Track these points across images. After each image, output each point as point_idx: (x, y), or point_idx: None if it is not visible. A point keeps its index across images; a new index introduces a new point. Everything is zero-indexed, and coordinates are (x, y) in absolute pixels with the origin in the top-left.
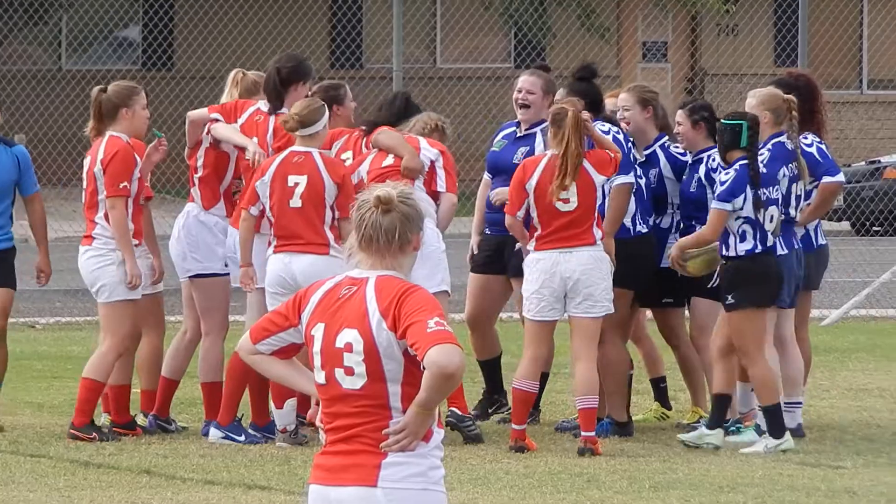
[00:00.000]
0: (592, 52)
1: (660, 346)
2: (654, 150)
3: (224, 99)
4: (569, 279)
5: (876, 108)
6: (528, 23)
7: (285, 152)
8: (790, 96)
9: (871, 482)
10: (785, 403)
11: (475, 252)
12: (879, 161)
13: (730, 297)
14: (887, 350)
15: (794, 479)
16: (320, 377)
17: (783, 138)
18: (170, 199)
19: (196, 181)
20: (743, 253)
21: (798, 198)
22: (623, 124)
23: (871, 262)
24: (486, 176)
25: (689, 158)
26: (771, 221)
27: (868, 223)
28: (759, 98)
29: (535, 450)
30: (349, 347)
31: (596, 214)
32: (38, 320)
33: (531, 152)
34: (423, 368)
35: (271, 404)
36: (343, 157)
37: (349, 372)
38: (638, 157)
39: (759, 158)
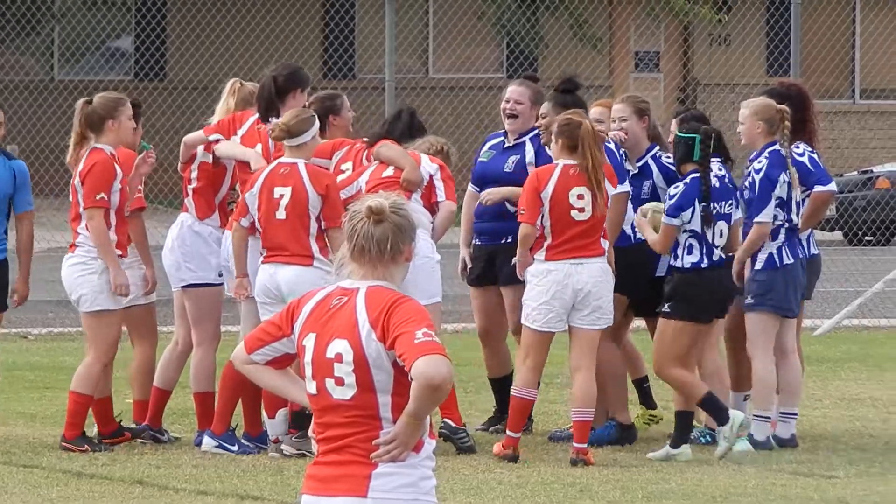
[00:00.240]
0: (585, 62)
1: (639, 347)
2: (647, 162)
3: (219, 107)
4: (580, 291)
5: (868, 117)
6: (520, 33)
7: (273, 164)
8: (783, 106)
9: (864, 491)
10: (781, 413)
11: (468, 265)
12: (872, 171)
13: (667, 306)
14: (880, 360)
15: (787, 488)
16: (311, 387)
17: (778, 146)
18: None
19: (190, 192)
20: (689, 265)
21: (798, 204)
22: (621, 134)
23: (863, 271)
24: (472, 188)
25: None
26: (721, 236)
27: (860, 233)
28: (753, 108)
29: (525, 457)
30: (339, 358)
31: (604, 226)
32: (30, 331)
33: (522, 161)
34: (411, 379)
35: (264, 414)
36: (343, 167)
37: (339, 382)
38: (631, 168)
39: (758, 166)
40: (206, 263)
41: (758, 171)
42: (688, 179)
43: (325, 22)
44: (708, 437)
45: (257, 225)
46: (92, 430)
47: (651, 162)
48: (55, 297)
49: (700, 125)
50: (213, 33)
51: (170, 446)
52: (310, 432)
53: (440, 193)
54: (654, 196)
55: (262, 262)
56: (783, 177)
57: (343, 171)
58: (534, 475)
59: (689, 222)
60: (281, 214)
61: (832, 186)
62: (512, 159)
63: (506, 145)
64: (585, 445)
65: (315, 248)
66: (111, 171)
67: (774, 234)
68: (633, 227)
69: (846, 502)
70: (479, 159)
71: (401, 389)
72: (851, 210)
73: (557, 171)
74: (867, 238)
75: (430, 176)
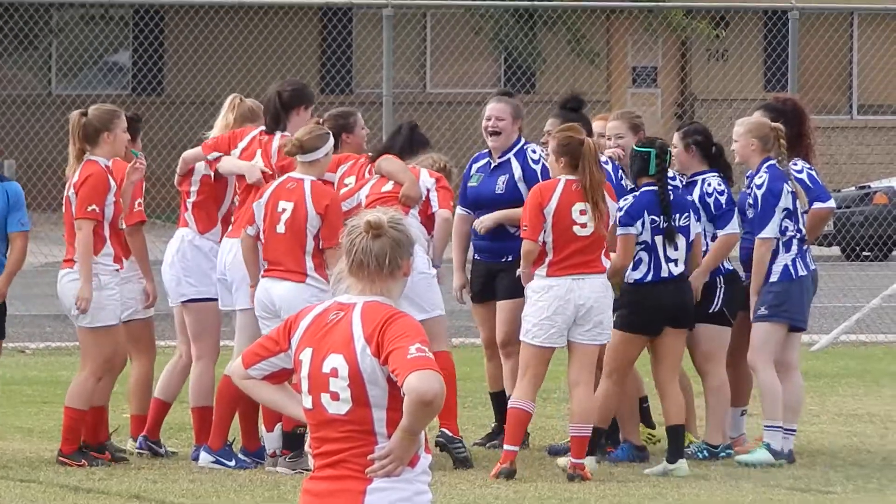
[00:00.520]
0: (582, 77)
1: (639, 367)
2: None
3: (218, 122)
4: (582, 306)
5: (866, 133)
6: (517, 48)
7: (284, 177)
8: (777, 124)
9: None
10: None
11: (464, 286)
12: (869, 186)
13: (614, 316)
14: (877, 375)
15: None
16: (307, 402)
17: (773, 161)
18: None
19: (189, 206)
20: (632, 281)
21: (803, 215)
22: (619, 151)
23: (861, 287)
24: (461, 210)
25: (677, 183)
26: (676, 250)
27: (858, 248)
28: (747, 126)
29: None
30: (335, 372)
31: (605, 243)
32: (27, 345)
33: (511, 180)
34: (404, 395)
35: (261, 429)
36: (346, 181)
37: (335, 397)
38: (629, 184)
39: (759, 182)
40: (207, 278)
41: (759, 187)
42: (637, 192)
43: (323, 37)
44: (705, 451)
45: (261, 235)
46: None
47: None
48: (53, 311)
49: (656, 139)
50: (210, 48)
51: (167, 461)
52: (306, 447)
53: (434, 203)
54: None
55: (262, 276)
56: (786, 187)
57: (346, 185)
58: (531, 490)
59: (641, 234)
60: (281, 228)
61: (831, 203)
62: (501, 180)
63: (492, 165)
64: (583, 461)
65: (310, 265)
66: (105, 184)
67: (787, 246)
68: None
69: None
70: (469, 183)
71: (396, 405)
72: (849, 225)
73: (560, 187)
74: (865, 253)
75: (428, 190)
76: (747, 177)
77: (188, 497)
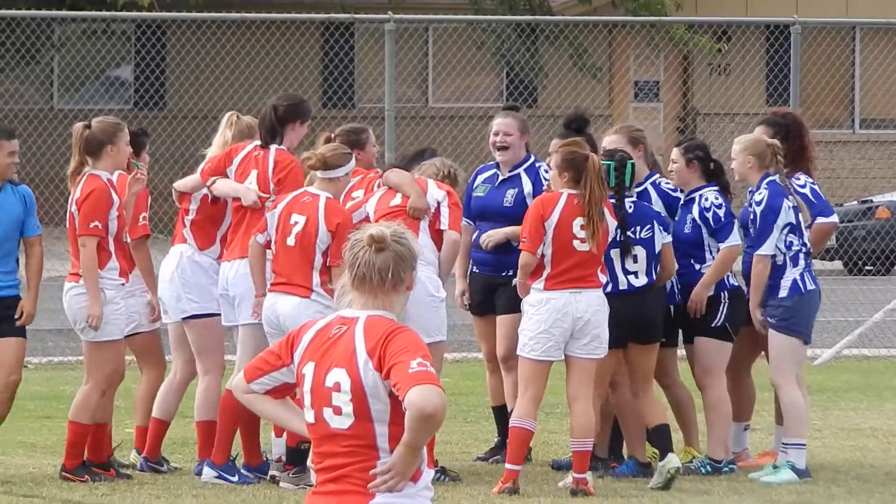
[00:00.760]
0: (584, 92)
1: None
2: (646, 188)
3: (216, 140)
4: (579, 319)
5: (868, 147)
6: (520, 62)
7: (300, 190)
8: (774, 141)
9: None
10: (782, 445)
11: (465, 295)
12: (872, 200)
13: None
14: (880, 389)
15: None
16: (310, 416)
17: (773, 177)
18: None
19: (187, 223)
20: None
21: (807, 229)
22: None
23: (863, 301)
24: (464, 221)
25: (680, 195)
26: (635, 262)
27: (860, 263)
28: (743, 144)
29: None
30: (337, 387)
31: (602, 259)
32: (30, 360)
33: (521, 195)
34: (405, 409)
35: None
36: (354, 195)
37: (337, 411)
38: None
39: (759, 198)
40: (209, 294)
41: (759, 203)
42: None
43: (325, 52)
44: (708, 466)
45: (272, 246)
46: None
47: (650, 188)
48: (55, 325)
49: (616, 152)
50: (212, 62)
51: (170, 476)
52: (309, 462)
53: (444, 221)
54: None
55: (268, 289)
56: (786, 203)
57: (354, 199)
58: None
59: None
60: (291, 241)
61: (834, 218)
62: (510, 193)
63: (499, 178)
64: (585, 475)
65: (316, 280)
66: (107, 199)
67: (794, 261)
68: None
69: None
70: (475, 194)
71: (398, 419)
72: (851, 240)
73: (563, 200)
74: (867, 268)
75: (438, 203)
76: (749, 192)
77: None
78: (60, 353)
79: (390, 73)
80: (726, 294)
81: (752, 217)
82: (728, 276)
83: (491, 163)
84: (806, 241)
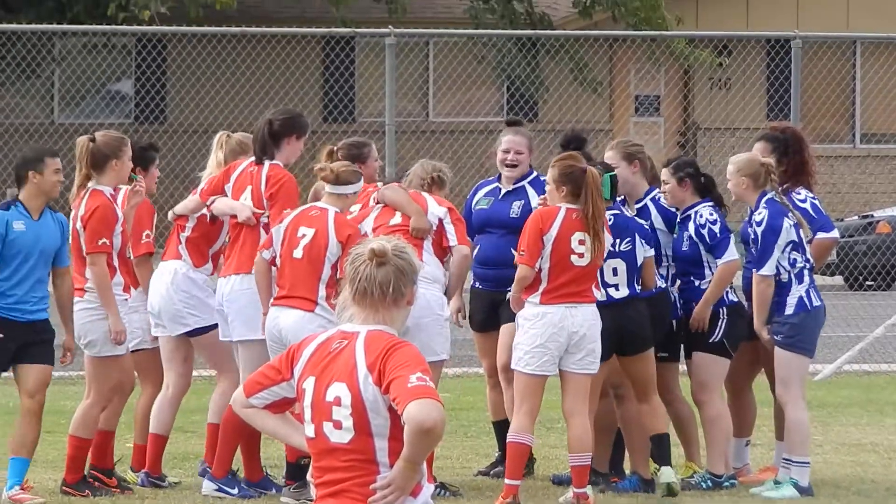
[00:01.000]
0: (585, 106)
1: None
2: (645, 204)
3: (210, 161)
4: (575, 334)
5: (868, 161)
6: (520, 76)
7: (307, 205)
8: (768, 160)
9: None
10: (784, 459)
11: (461, 311)
12: (872, 215)
13: None
14: (881, 405)
15: None
16: (310, 431)
17: (771, 195)
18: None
19: (183, 240)
20: None
21: (808, 243)
22: None
23: (864, 316)
24: None
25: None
26: (615, 275)
27: (861, 277)
28: (737, 165)
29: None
30: (338, 401)
31: (597, 275)
32: None
33: (527, 206)
34: (404, 423)
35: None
36: (352, 209)
37: (337, 426)
38: (630, 212)
39: (759, 218)
40: (208, 307)
41: (759, 224)
42: None
43: (326, 66)
44: (709, 481)
45: (277, 260)
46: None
47: (650, 204)
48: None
49: (596, 165)
50: (213, 76)
51: (171, 491)
52: (308, 477)
53: (451, 238)
54: (654, 238)
55: (272, 304)
56: (786, 222)
57: (351, 213)
58: None
59: None
60: (298, 253)
61: (835, 234)
62: (516, 205)
63: (504, 191)
64: (585, 490)
65: (322, 293)
66: (113, 215)
67: (799, 278)
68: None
69: None
70: (478, 207)
71: (398, 434)
72: (852, 255)
73: (561, 215)
74: (868, 283)
75: (440, 220)
76: (749, 211)
77: None
78: (61, 368)
79: (391, 87)
80: (725, 310)
81: (752, 237)
82: (727, 292)
83: (491, 178)
84: (809, 257)
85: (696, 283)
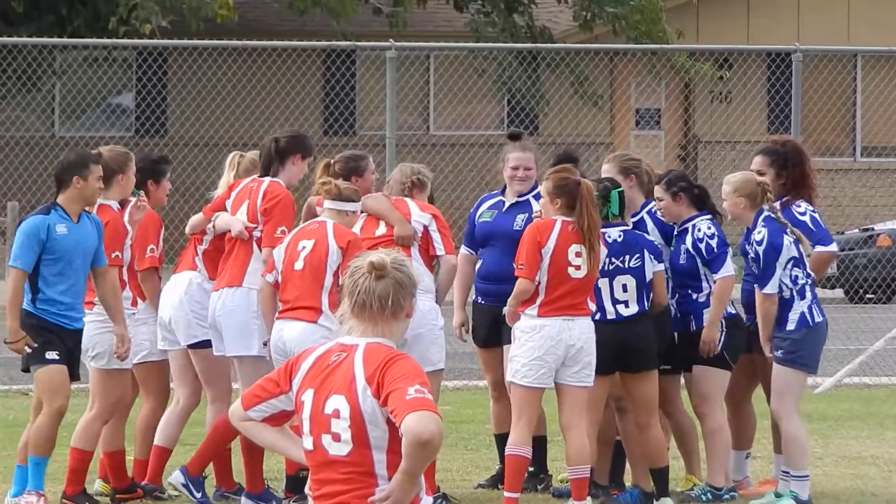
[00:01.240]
0: (585, 119)
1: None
2: (642, 217)
3: (222, 181)
4: (572, 346)
5: (869, 175)
6: (521, 90)
7: (306, 223)
8: (763, 179)
9: None
10: (783, 472)
11: (464, 326)
12: (873, 228)
13: None
14: (881, 418)
15: None
16: (308, 443)
17: (767, 213)
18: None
19: (200, 252)
20: None
21: (807, 257)
22: None
23: (864, 329)
24: (465, 250)
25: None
26: (624, 291)
27: (862, 291)
28: (733, 185)
29: None
30: (336, 413)
31: (592, 288)
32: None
33: (531, 219)
34: (401, 435)
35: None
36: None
37: (336, 438)
38: (627, 225)
39: (759, 237)
40: None
41: (759, 243)
42: None
43: (327, 79)
44: (709, 494)
45: (278, 278)
46: (92, 486)
47: (646, 217)
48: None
49: (601, 181)
50: (213, 90)
51: (170, 502)
52: (306, 489)
53: (438, 247)
54: (662, 252)
55: (276, 318)
56: (787, 239)
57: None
58: None
59: None
60: (299, 265)
61: (833, 247)
62: (520, 217)
63: (507, 204)
64: (585, 502)
65: (325, 302)
66: (123, 229)
67: (801, 294)
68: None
69: None
70: (481, 220)
71: (396, 446)
72: (853, 268)
73: (558, 227)
74: (868, 296)
75: (425, 227)
76: (747, 230)
77: None
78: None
79: (392, 100)
80: (723, 323)
81: (753, 255)
82: (727, 305)
83: (494, 192)
84: (809, 272)
85: (694, 296)
